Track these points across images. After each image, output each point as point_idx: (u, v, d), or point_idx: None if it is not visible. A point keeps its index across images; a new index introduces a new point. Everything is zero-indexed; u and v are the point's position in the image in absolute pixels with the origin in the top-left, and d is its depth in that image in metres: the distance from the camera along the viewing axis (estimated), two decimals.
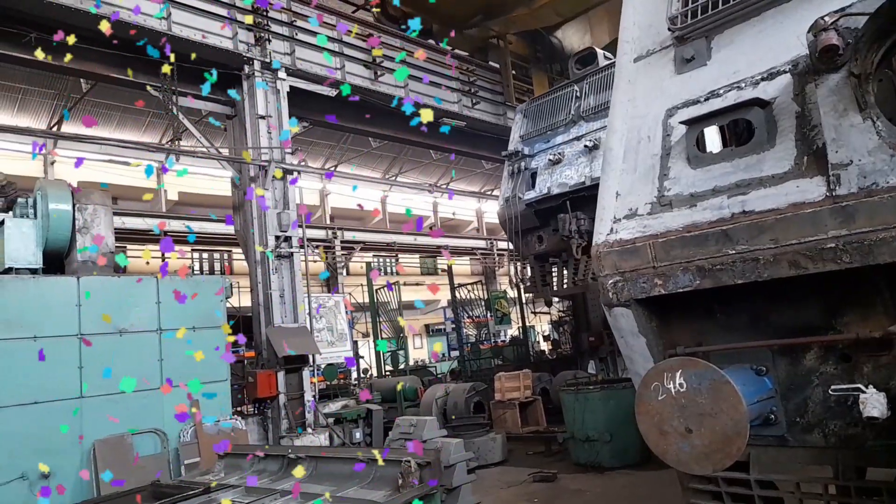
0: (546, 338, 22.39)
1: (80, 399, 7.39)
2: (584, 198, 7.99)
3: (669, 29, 3.07)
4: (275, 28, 11.33)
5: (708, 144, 2.85)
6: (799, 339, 2.49)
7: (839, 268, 2.18)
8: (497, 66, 16.46)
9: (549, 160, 8.64)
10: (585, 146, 8.23)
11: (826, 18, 2.25)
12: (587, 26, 16.01)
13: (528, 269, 9.34)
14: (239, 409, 9.98)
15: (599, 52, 9.31)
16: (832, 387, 2.35)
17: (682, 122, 2.80)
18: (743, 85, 2.67)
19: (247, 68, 10.86)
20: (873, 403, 2.14)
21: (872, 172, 2.15)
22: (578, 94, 8.85)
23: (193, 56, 8.34)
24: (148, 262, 8.32)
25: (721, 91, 2.74)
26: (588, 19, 15.95)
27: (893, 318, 2.29)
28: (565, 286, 8.92)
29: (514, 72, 16.17)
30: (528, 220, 8.84)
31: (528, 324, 19.23)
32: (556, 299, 18.62)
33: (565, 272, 8.82)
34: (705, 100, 2.78)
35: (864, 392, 2.17)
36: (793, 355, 2.56)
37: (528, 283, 9.41)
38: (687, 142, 2.76)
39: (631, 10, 3.39)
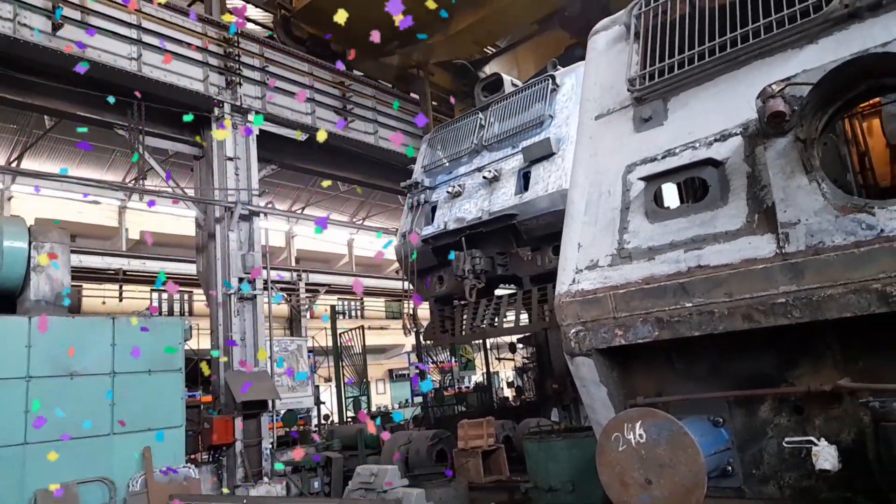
0: (510, 384, 22.30)
1: (24, 445, 7.04)
2: (483, 234, 7.50)
3: (629, 90, 3.22)
4: (246, 72, 11.44)
5: (665, 200, 2.96)
6: (753, 391, 2.56)
7: (790, 322, 2.27)
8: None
9: (448, 193, 8.05)
10: (485, 177, 7.61)
11: (773, 86, 2.40)
12: (514, 61, 15.93)
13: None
14: (192, 455, 9.61)
15: (506, 77, 8.68)
16: (786, 439, 2.40)
17: (640, 178, 2.92)
18: (697, 145, 2.80)
19: (216, 110, 10.89)
20: (825, 456, 2.20)
21: (819, 232, 2.26)
22: (483, 122, 8.28)
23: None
24: (104, 303, 8.10)
25: (677, 150, 2.87)
26: (515, 54, 15.97)
27: (843, 372, 2.37)
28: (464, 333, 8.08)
29: (434, 103, 15.67)
30: (426, 257, 8.16)
31: (492, 370, 19.15)
32: (520, 345, 18.65)
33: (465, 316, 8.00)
34: (662, 157, 2.91)
35: (816, 445, 2.24)
36: (748, 406, 2.62)
37: (424, 329, 8.55)
38: (645, 197, 2.87)
39: (593, 71, 3.55)
